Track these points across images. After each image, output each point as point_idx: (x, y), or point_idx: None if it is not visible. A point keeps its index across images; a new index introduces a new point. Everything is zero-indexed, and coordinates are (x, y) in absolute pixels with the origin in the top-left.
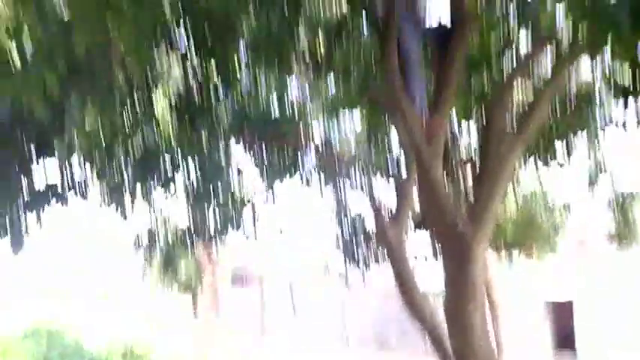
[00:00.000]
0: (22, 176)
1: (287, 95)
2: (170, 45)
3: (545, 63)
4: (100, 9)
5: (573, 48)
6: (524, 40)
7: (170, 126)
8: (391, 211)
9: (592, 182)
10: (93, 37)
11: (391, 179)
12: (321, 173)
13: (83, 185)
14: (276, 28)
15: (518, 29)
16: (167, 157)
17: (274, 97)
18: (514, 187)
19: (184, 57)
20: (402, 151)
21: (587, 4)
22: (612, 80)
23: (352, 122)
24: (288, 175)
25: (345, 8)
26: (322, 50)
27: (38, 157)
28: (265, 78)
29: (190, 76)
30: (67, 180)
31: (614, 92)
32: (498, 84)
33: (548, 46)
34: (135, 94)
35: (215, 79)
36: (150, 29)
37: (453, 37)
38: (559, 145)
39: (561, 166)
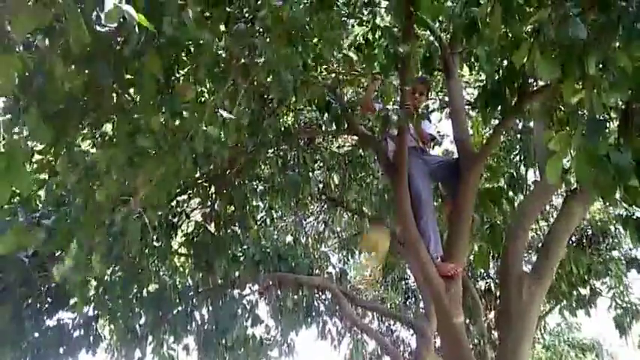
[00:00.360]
0: (33, 332)
1: (302, 234)
2: (192, 190)
3: (558, 204)
4: (133, 157)
5: (583, 194)
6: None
7: (186, 268)
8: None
9: (622, 330)
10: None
11: (410, 323)
12: (336, 320)
13: (94, 340)
14: (293, 171)
15: (526, 171)
16: (180, 308)
17: (289, 236)
18: (541, 332)
19: (204, 200)
20: (421, 295)
21: (591, 158)
22: (628, 223)
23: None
24: (303, 326)
25: (356, 149)
26: (336, 189)
27: (53, 312)
28: (282, 216)
29: (208, 218)
30: (80, 334)
31: (631, 237)
32: (511, 230)
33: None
34: (155, 236)
35: (233, 221)
36: (175, 178)
37: (463, 177)
38: (584, 292)
39: (588, 315)
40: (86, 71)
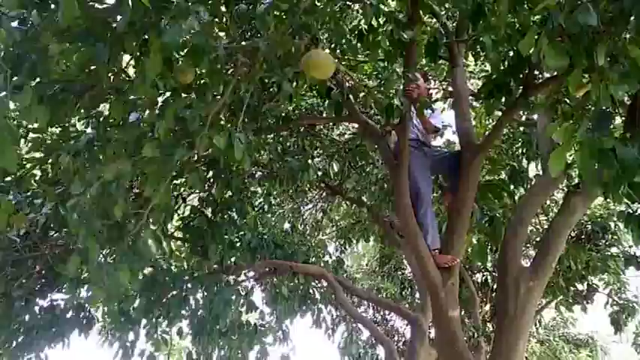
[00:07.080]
0: (24, 313)
1: (300, 222)
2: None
3: (558, 199)
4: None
5: (585, 189)
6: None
7: (181, 253)
8: (406, 346)
9: (618, 327)
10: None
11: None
12: (331, 309)
13: (87, 322)
14: (292, 158)
15: (528, 165)
16: (175, 292)
17: (286, 223)
18: (537, 327)
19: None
20: (417, 287)
21: (596, 152)
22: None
23: (365, 252)
24: (298, 314)
25: (357, 137)
26: (335, 178)
27: (45, 293)
28: (280, 203)
29: (205, 203)
30: (72, 316)
31: (633, 235)
32: (510, 223)
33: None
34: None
35: (230, 209)
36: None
37: (464, 169)
38: (581, 288)
39: (585, 311)
40: (82, 49)
